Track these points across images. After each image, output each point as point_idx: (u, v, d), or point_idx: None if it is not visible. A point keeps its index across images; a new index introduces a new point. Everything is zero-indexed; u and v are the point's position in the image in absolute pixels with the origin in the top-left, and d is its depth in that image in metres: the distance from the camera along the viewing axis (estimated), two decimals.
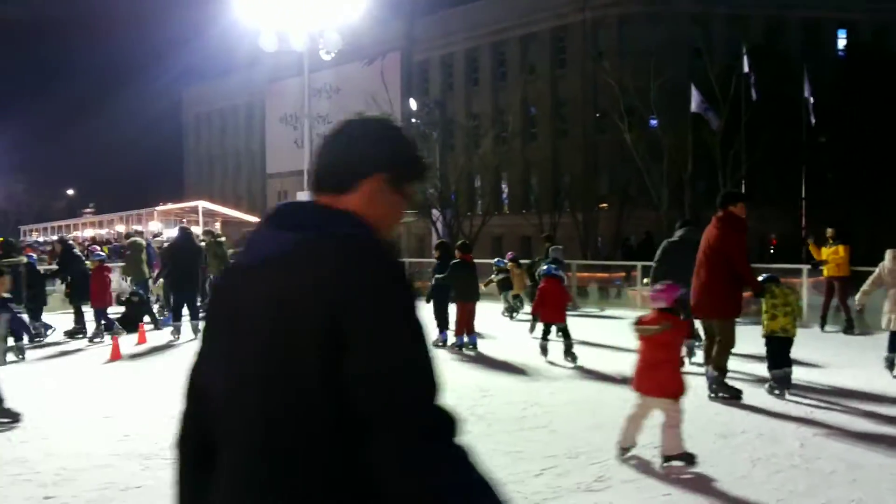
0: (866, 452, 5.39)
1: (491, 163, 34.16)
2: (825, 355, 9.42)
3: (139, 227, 34.84)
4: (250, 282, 1.42)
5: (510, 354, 9.76)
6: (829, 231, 12.35)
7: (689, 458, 5.03)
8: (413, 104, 35.67)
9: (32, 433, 6.02)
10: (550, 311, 9.29)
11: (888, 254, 8.34)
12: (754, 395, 7.05)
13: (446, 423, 1.34)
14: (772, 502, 4.44)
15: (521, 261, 15.29)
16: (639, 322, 5.23)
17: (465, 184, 34.12)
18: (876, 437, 5.74)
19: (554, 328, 9.35)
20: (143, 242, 15.57)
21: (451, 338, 10.44)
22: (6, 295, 7.00)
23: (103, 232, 35.72)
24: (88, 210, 55.02)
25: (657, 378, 5.06)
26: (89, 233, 36.10)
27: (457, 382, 7.66)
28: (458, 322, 10.24)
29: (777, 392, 7.07)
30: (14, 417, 6.35)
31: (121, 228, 37.99)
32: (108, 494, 4.63)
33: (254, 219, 42.05)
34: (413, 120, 34.96)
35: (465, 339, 10.20)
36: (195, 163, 61.68)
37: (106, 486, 4.75)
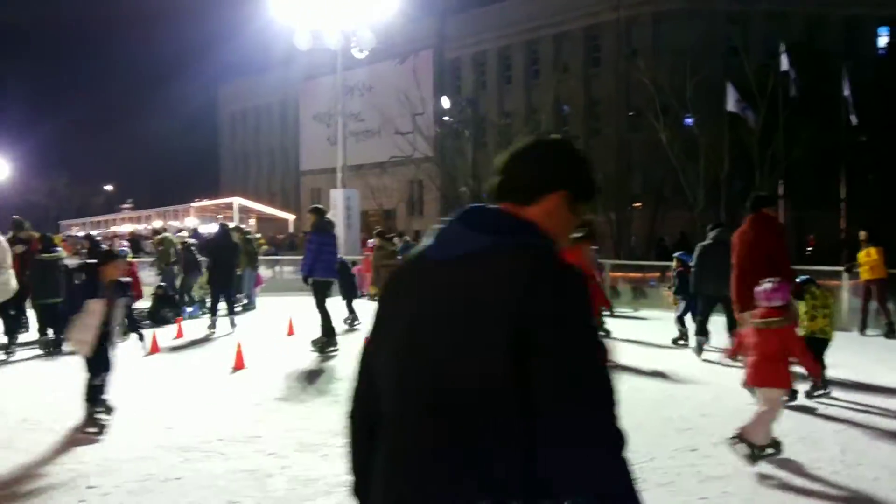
0: None
1: None
2: (866, 359, 9.23)
3: (175, 223, 35.41)
4: (443, 275, 1.54)
5: None
6: (862, 234, 12.15)
7: (753, 454, 4.97)
8: (445, 102, 35.69)
9: (76, 423, 6.15)
10: None
11: None
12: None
13: (620, 432, 1.44)
14: None
15: None
16: (758, 316, 5.41)
17: None
18: None
19: None
20: (173, 238, 15.91)
21: None
22: (124, 279, 7.03)
23: (141, 227, 36.34)
24: (126, 205, 56.01)
25: (773, 369, 5.19)
26: (127, 228, 36.76)
27: None
28: None
29: (819, 393, 6.97)
30: (109, 411, 6.23)
31: (158, 224, 38.61)
32: (148, 485, 4.72)
33: (287, 215, 42.46)
34: (445, 118, 34.99)
35: None
36: (230, 159, 62.44)
37: (146, 478, 4.85)
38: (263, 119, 58.78)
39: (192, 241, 16.16)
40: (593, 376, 1.43)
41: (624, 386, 7.61)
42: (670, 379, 8.08)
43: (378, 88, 43.43)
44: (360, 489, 1.70)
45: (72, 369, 8.50)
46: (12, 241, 10.35)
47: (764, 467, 5.03)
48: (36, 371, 8.61)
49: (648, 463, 5.15)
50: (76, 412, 6.43)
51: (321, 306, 9.68)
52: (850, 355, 9.01)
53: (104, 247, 13.81)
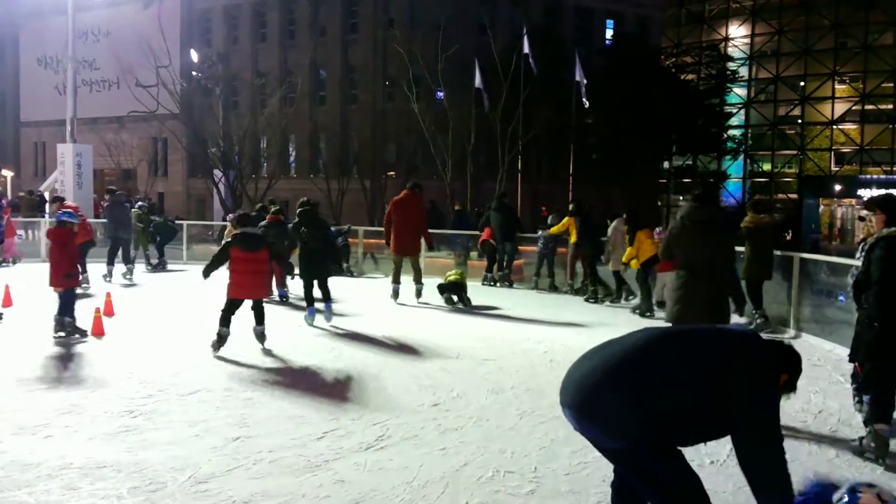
0: None
1: (278, 124, 33.12)
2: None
3: None
4: None
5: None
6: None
7: None
8: (194, 56, 33.50)
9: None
10: None
11: None
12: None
13: None
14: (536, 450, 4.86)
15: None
16: None
17: (250, 145, 32.73)
18: None
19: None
20: None
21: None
22: None
23: None
24: None
25: None
26: None
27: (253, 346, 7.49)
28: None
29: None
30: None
31: None
32: None
33: (5, 172, 37.28)
34: (193, 73, 32.92)
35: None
36: None
37: None
38: None
39: None
40: None
41: (379, 348, 7.81)
42: (418, 338, 8.48)
43: (117, 34, 39.51)
44: None
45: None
46: None
47: (495, 417, 5.46)
48: None
49: (394, 419, 5.36)
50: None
51: None
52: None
53: None
